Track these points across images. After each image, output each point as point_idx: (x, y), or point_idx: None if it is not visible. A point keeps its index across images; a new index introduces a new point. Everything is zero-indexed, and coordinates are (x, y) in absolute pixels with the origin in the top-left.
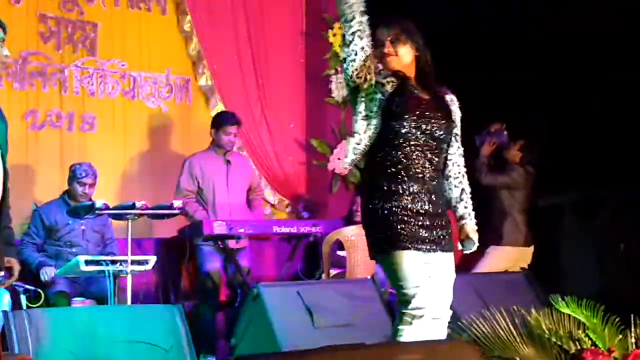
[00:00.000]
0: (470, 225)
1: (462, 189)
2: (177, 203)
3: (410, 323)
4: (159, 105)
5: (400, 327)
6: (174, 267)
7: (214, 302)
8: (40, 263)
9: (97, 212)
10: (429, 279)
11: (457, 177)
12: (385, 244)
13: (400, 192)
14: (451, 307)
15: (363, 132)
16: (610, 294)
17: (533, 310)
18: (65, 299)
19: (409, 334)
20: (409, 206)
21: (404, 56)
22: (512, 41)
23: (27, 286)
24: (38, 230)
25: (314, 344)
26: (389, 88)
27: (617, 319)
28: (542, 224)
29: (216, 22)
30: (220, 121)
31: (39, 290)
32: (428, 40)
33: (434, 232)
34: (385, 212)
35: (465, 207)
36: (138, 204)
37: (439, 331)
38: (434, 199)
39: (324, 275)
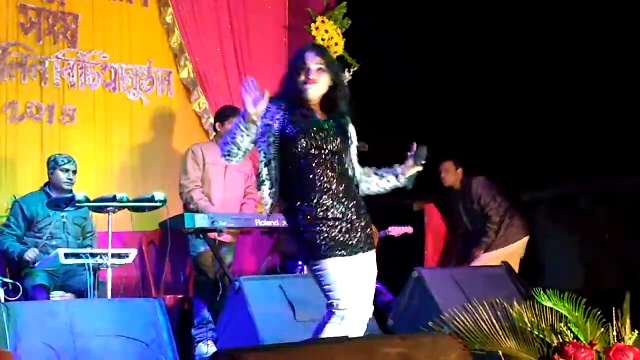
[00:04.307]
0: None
1: (375, 174)
2: (159, 196)
3: (340, 323)
4: (141, 97)
5: (329, 325)
6: (156, 260)
7: (210, 286)
8: (23, 250)
9: (77, 204)
10: (353, 280)
11: (368, 175)
12: (309, 254)
13: (313, 205)
14: (433, 300)
15: (270, 177)
16: (592, 286)
17: (515, 304)
18: (44, 293)
19: (335, 331)
20: (324, 216)
21: (323, 86)
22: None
23: (6, 279)
24: (18, 221)
25: (296, 338)
26: (276, 126)
27: (599, 313)
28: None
29: (198, 15)
30: (227, 114)
31: (18, 283)
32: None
33: (354, 235)
34: (304, 226)
35: (386, 172)
36: (119, 197)
37: (360, 324)
38: (347, 203)
39: (305, 269)
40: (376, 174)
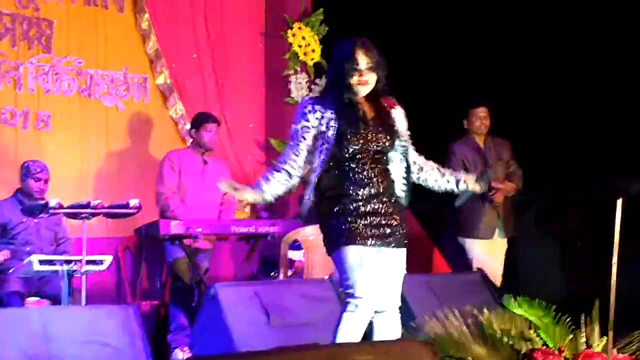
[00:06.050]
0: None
1: (441, 173)
2: (134, 202)
3: (354, 311)
4: (116, 103)
5: (344, 314)
6: (131, 266)
7: (186, 291)
8: None
9: (51, 211)
10: (373, 273)
11: (430, 170)
12: (333, 242)
13: (349, 198)
14: (408, 307)
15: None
16: (564, 293)
17: (485, 311)
18: (19, 299)
19: (351, 320)
20: (354, 207)
21: (371, 84)
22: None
23: None
24: None
25: (270, 345)
26: (330, 133)
27: (568, 319)
28: None
29: (175, 21)
30: (201, 120)
31: None
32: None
33: (383, 230)
34: (332, 214)
35: (450, 173)
36: (93, 203)
37: (389, 323)
38: (384, 199)
39: (281, 275)
40: (439, 169)
